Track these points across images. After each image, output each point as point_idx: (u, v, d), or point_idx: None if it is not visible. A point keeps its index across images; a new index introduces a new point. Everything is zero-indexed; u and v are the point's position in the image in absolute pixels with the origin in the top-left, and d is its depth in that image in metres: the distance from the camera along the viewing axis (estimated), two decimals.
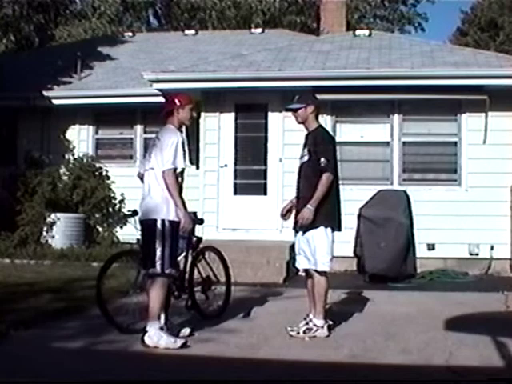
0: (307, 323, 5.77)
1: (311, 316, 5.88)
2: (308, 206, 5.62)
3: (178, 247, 5.61)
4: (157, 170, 5.40)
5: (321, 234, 5.73)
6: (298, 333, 5.71)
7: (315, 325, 5.72)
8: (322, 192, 5.65)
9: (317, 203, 5.63)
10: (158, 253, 5.30)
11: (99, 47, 16.18)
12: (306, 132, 6.06)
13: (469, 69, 10.82)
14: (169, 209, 5.36)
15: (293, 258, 6.65)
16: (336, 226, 5.85)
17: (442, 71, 10.85)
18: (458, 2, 32.05)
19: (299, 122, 6.02)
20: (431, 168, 11.19)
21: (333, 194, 5.80)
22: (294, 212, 6.02)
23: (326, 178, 5.67)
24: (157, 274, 5.33)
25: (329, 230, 5.77)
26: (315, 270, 5.77)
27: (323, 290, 5.78)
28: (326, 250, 5.74)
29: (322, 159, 5.68)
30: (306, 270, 5.98)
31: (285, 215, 6.13)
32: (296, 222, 5.91)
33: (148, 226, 5.40)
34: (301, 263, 5.93)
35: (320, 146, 5.78)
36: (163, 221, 5.32)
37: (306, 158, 5.85)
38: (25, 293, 7.49)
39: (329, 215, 5.76)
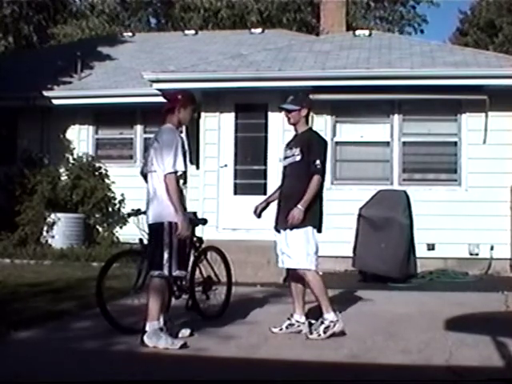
0: (322, 322, 5.72)
1: (296, 316, 5.89)
2: (299, 206, 5.64)
3: (187, 248, 5.63)
4: (159, 173, 5.38)
5: (309, 233, 5.76)
6: (319, 334, 5.65)
7: (331, 321, 5.69)
8: (313, 193, 5.70)
9: (307, 204, 5.66)
10: (166, 255, 5.29)
11: (99, 47, 16.20)
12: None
13: (469, 69, 10.83)
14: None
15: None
16: (318, 226, 5.87)
17: (442, 71, 10.86)
18: (457, 2, 32.06)
19: (291, 123, 6.04)
20: (431, 168, 11.20)
21: (319, 195, 5.84)
22: (274, 211, 6.03)
23: (317, 179, 5.72)
24: (164, 276, 5.33)
25: (315, 230, 5.81)
26: (307, 269, 5.76)
27: (321, 285, 5.78)
28: (314, 248, 5.78)
29: (317, 161, 5.72)
30: (288, 269, 5.98)
31: (259, 215, 6.17)
32: (277, 222, 5.94)
33: (156, 228, 5.39)
34: (286, 263, 5.90)
35: (314, 147, 5.81)
36: (170, 223, 5.31)
37: (298, 158, 5.85)
38: (25, 293, 7.49)
39: (315, 216, 5.80)
